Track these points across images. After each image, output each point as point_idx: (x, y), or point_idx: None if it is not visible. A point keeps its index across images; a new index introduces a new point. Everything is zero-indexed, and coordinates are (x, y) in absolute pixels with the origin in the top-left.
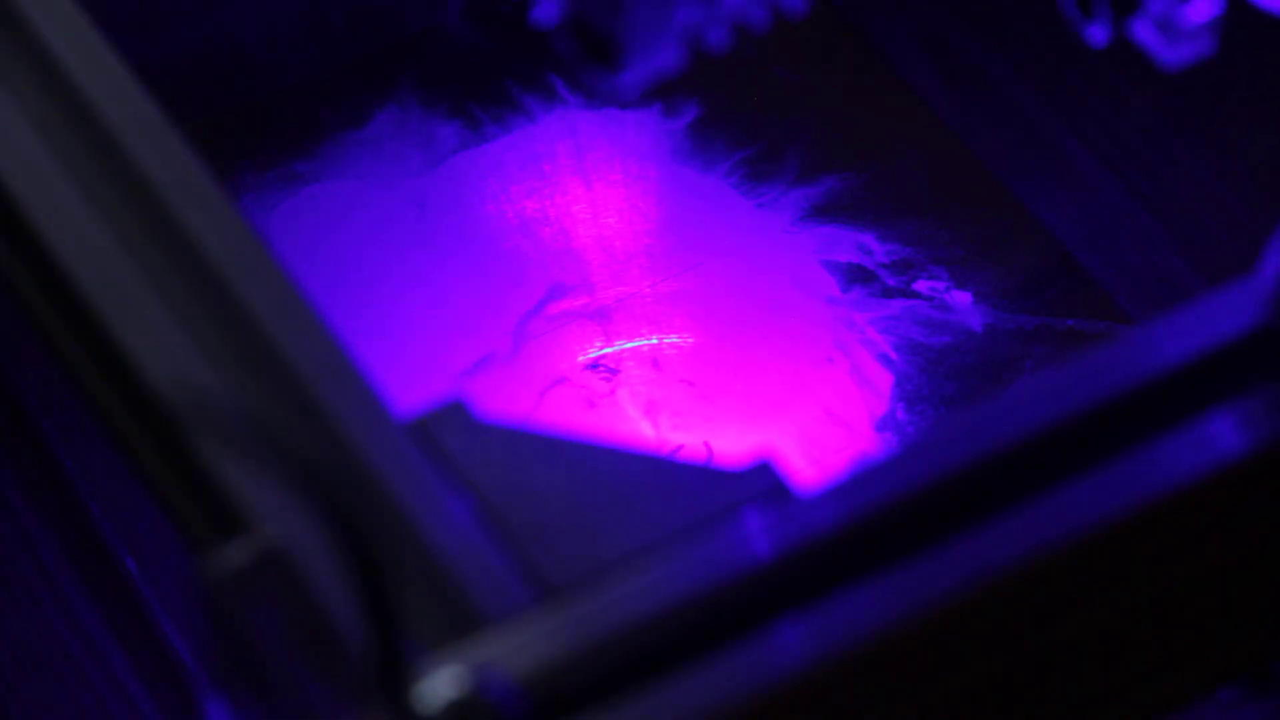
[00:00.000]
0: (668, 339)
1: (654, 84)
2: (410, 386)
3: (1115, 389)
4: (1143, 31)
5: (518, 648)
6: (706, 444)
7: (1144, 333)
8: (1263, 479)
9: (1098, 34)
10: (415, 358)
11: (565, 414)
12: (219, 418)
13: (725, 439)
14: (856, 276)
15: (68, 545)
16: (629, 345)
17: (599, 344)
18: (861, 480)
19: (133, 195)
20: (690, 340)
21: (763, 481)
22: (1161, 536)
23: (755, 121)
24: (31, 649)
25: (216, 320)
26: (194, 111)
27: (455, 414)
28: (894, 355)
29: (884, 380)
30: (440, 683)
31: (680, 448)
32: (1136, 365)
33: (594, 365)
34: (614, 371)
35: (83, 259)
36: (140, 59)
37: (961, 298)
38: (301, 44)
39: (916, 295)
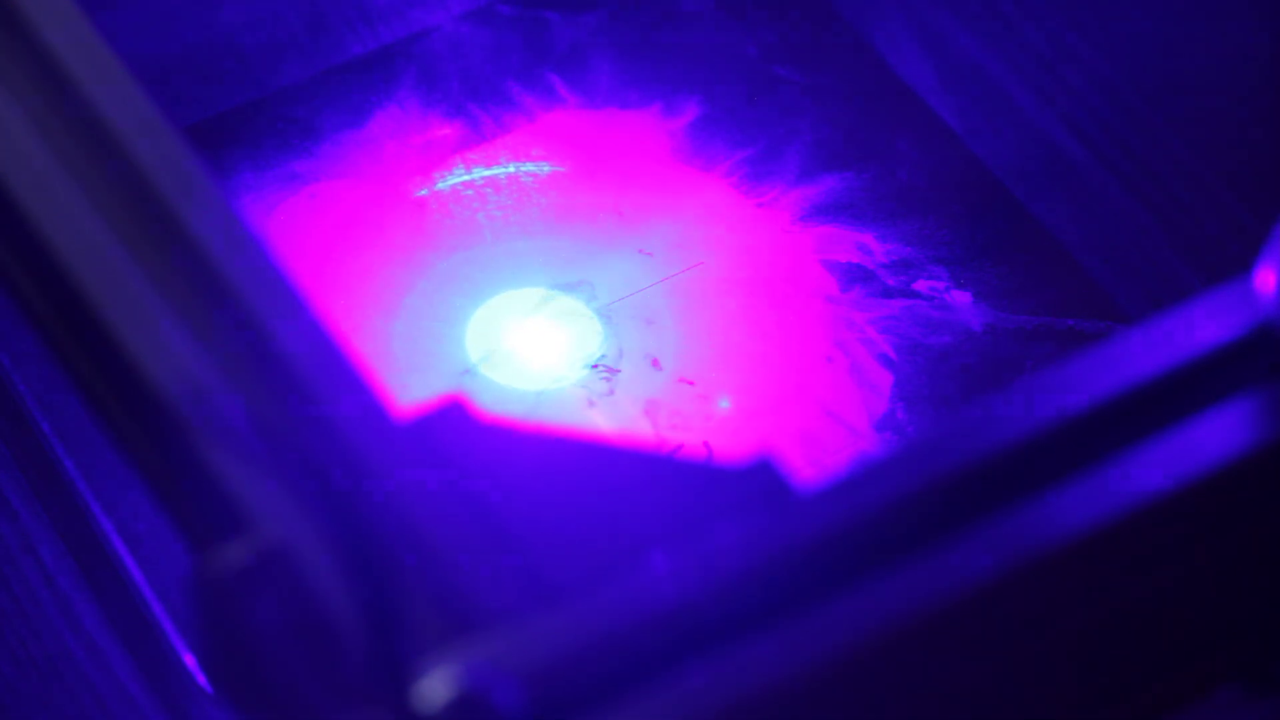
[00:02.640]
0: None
1: None
2: (410, 386)
3: (1114, 388)
4: None
5: (518, 648)
6: (706, 444)
7: (1143, 332)
8: (1262, 479)
9: None
10: (415, 358)
11: (565, 414)
12: (219, 417)
13: (725, 439)
14: (856, 276)
15: (68, 545)
16: (629, 342)
17: (600, 342)
18: (860, 480)
19: (133, 195)
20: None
21: (762, 481)
22: (1161, 536)
23: (755, 121)
24: (31, 649)
25: (216, 320)
26: (194, 111)
27: (455, 414)
28: (894, 355)
29: (884, 380)
30: (440, 683)
31: (680, 447)
32: (1136, 365)
33: (594, 365)
34: (614, 371)
35: (83, 259)
36: (140, 59)
37: (961, 298)
38: (301, 44)
39: (916, 295)
